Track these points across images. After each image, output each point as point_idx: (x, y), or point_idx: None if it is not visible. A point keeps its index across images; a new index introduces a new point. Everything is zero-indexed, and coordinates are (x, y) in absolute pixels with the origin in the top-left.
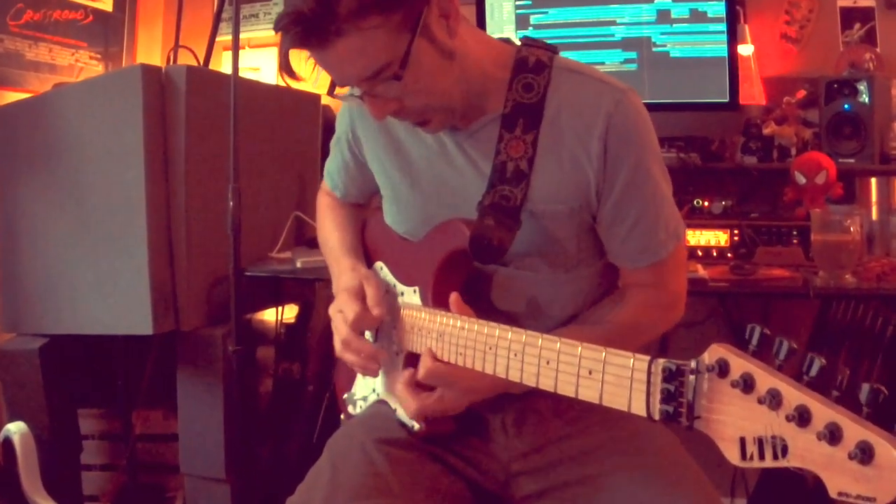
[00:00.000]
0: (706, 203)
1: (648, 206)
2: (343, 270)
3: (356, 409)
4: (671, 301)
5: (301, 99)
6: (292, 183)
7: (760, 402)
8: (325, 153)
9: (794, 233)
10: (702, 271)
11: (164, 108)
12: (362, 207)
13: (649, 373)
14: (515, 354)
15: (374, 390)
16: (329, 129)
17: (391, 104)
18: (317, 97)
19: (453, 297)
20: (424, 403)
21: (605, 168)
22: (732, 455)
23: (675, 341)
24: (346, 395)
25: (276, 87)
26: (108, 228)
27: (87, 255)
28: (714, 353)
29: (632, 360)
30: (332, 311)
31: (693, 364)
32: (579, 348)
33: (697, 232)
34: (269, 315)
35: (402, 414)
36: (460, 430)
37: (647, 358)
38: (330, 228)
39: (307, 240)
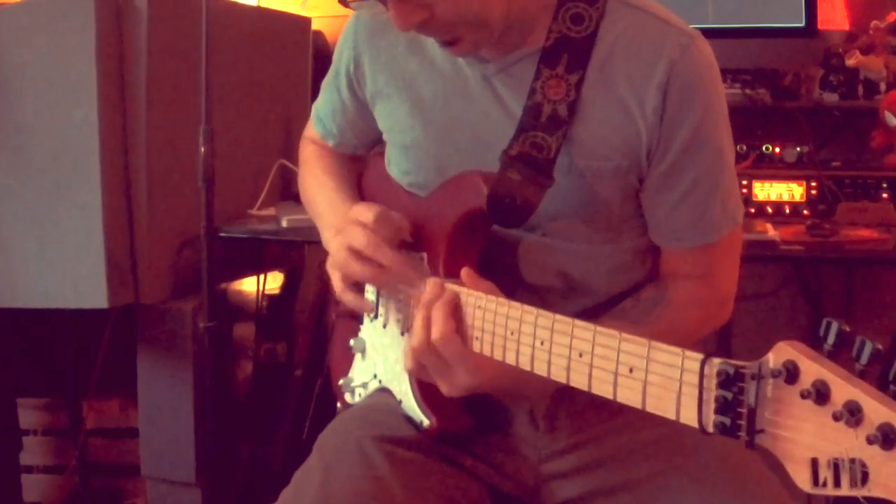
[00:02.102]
0: (777, 149)
1: (706, 176)
2: (338, 216)
3: (354, 399)
4: (721, 299)
5: (288, 23)
6: (277, 124)
7: (836, 417)
8: (316, 90)
9: (884, 185)
10: (772, 232)
11: (122, 34)
12: (359, 160)
13: (702, 375)
14: (542, 343)
15: (374, 376)
16: (320, 60)
17: (420, 12)
18: (307, 21)
19: (465, 272)
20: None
21: (661, 124)
22: (802, 479)
23: (739, 318)
24: (342, 381)
25: (258, 8)
26: (53, 179)
27: (28, 212)
28: (781, 353)
29: (681, 358)
30: (341, 224)
31: (755, 367)
32: (618, 340)
33: (767, 184)
34: (248, 285)
35: (409, 406)
36: (480, 426)
37: (700, 357)
38: (320, 177)
39: (294, 194)
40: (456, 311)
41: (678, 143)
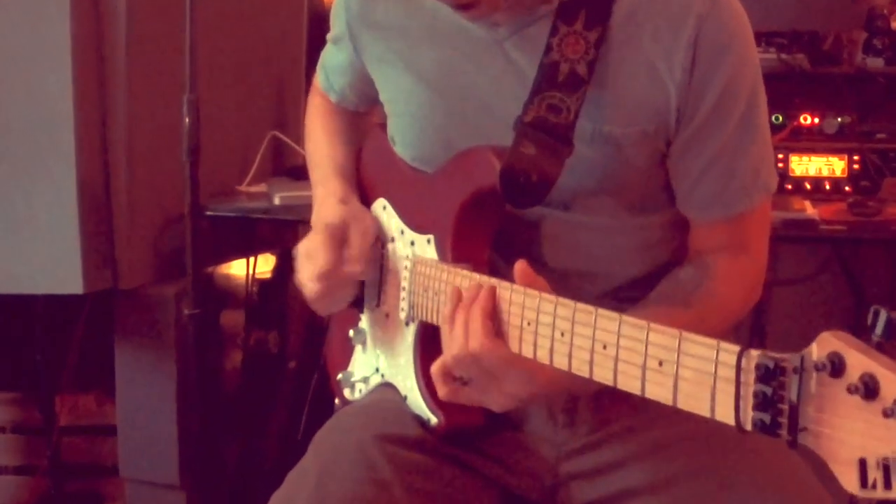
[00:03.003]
0: (816, 120)
1: (735, 139)
2: (327, 196)
3: (355, 394)
4: (757, 274)
5: None
6: (269, 92)
7: (887, 414)
8: (312, 54)
9: None
10: (811, 210)
11: None
12: (364, 117)
13: (738, 369)
14: (562, 334)
15: (377, 370)
16: (316, 21)
17: None
18: None
19: (519, 267)
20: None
21: (690, 83)
22: (849, 480)
23: (775, 304)
24: (340, 376)
25: None
26: (23, 152)
27: None
28: (825, 344)
29: (716, 350)
30: (300, 249)
31: (797, 360)
32: (646, 331)
33: (805, 158)
34: (237, 268)
35: (415, 402)
36: (491, 423)
37: (736, 349)
38: (319, 138)
39: (288, 169)
40: (495, 313)
41: (708, 102)
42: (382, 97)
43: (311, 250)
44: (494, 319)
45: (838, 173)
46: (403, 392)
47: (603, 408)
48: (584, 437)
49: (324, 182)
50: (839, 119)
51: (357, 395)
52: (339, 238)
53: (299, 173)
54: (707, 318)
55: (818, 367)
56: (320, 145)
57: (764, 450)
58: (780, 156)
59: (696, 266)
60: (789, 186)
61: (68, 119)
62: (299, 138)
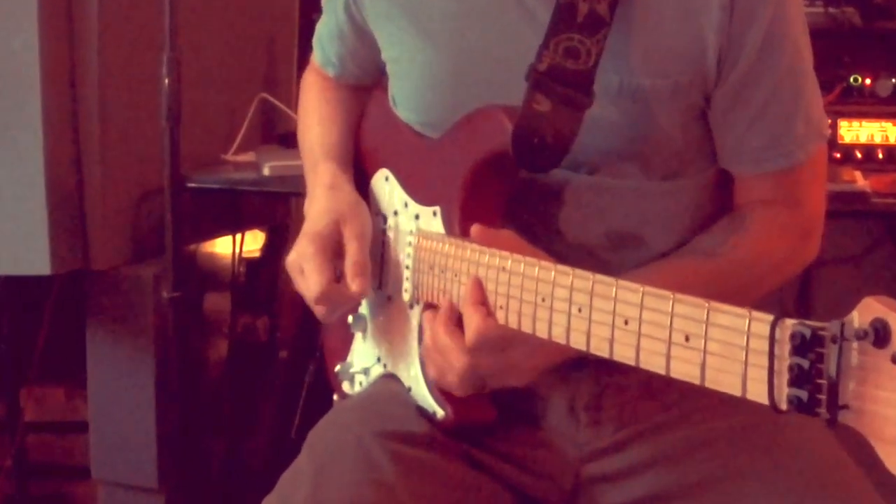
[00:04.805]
0: (868, 81)
1: (786, 83)
2: (316, 186)
3: (354, 388)
4: (809, 227)
5: None
6: (257, 50)
7: None
8: (306, 8)
9: None
10: (861, 182)
11: None
12: (365, 92)
13: (772, 340)
14: (580, 309)
15: (378, 359)
16: None
17: None
18: None
19: (475, 230)
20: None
21: (730, 25)
22: (894, 462)
23: (820, 285)
24: (339, 367)
25: None
26: None
27: None
28: (868, 310)
29: (747, 320)
30: (291, 264)
31: (837, 328)
32: (671, 301)
33: (855, 123)
34: (222, 246)
35: (419, 394)
36: (506, 418)
37: (770, 318)
38: (311, 119)
39: (279, 135)
40: (485, 299)
41: (752, 42)
42: (385, 56)
43: (301, 265)
44: (485, 304)
45: (892, 140)
46: (407, 383)
47: (630, 404)
48: (609, 437)
49: (314, 169)
50: (894, 80)
51: (357, 388)
52: (330, 249)
53: (291, 140)
54: (741, 271)
55: (860, 336)
56: (311, 127)
57: (808, 448)
58: (828, 121)
59: (734, 218)
60: (838, 155)
61: (34, 82)
62: (291, 102)
